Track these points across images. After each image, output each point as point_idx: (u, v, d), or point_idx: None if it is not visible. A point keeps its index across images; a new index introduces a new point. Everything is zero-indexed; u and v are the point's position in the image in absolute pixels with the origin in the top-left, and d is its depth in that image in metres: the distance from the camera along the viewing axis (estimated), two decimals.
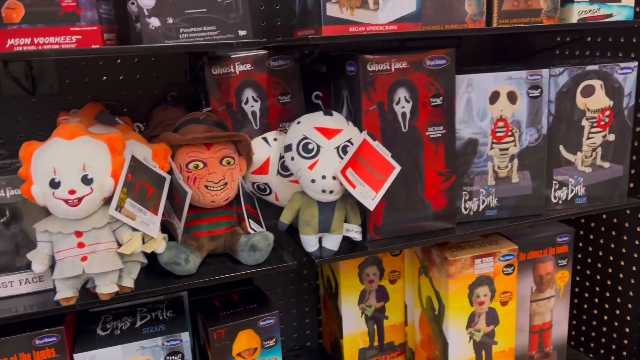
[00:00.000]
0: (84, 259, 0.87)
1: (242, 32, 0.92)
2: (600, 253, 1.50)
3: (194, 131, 1.02)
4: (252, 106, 1.13)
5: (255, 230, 1.04)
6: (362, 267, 1.32)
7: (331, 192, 1.01)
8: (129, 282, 0.92)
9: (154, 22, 0.86)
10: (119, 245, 0.90)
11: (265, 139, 1.10)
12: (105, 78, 1.24)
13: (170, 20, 0.87)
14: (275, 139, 1.10)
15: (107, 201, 0.89)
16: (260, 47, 1.07)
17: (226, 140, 1.04)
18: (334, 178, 1.00)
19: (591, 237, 1.53)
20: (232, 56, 1.09)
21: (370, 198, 1.02)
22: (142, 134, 1.08)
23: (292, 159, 1.02)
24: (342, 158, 1.01)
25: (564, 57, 1.52)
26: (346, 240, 1.09)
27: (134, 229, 0.91)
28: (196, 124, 1.04)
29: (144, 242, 0.92)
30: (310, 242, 1.04)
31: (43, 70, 1.18)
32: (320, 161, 1.00)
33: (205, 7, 0.90)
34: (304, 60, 1.15)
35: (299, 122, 1.04)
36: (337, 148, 1.02)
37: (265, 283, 1.46)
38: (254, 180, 1.11)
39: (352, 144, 1.03)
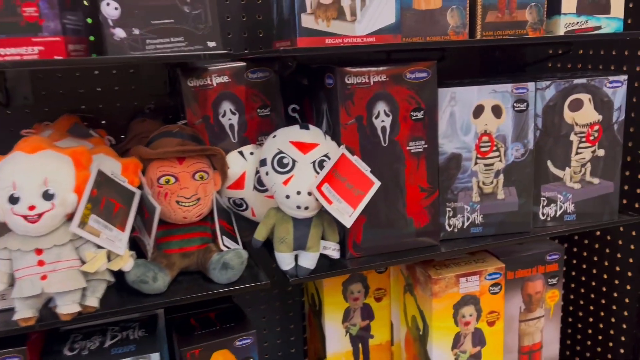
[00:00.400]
0: (43, 277, 0.83)
1: (211, 44, 0.89)
2: (594, 271, 1.46)
3: (167, 144, 1.00)
4: (229, 119, 1.10)
5: (229, 247, 1.00)
6: (346, 285, 1.28)
7: (306, 208, 0.97)
8: (93, 302, 0.89)
9: (119, 33, 0.83)
10: (83, 263, 0.87)
11: (241, 153, 1.07)
12: (82, 90, 1.21)
13: (137, 31, 0.85)
14: (251, 153, 1.07)
15: (71, 217, 0.85)
16: (229, 59, 1.04)
17: (199, 154, 1.01)
18: (310, 194, 0.96)
19: (584, 254, 1.48)
20: (209, 68, 1.07)
21: (347, 214, 0.99)
22: (114, 147, 1.05)
23: (267, 173, 0.99)
24: (318, 173, 0.98)
25: (556, 70, 1.48)
26: (325, 257, 1.05)
27: (99, 246, 0.88)
28: (169, 137, 1.01)
29: (109, 260, 0.89)
30: (285, 260, 1.01)
31: (17, 82, 1.16)
32: (295, 176, 0.97)
33: (173, 18, 0.87)
34: (284, 72, 1.12)
35: (274, 136, 1.01)
36: (314, 163, 0.98)
37: (247, 300, 1.43)
38: (229, 195, 1.08)
39: (329, 158, 0.99)
